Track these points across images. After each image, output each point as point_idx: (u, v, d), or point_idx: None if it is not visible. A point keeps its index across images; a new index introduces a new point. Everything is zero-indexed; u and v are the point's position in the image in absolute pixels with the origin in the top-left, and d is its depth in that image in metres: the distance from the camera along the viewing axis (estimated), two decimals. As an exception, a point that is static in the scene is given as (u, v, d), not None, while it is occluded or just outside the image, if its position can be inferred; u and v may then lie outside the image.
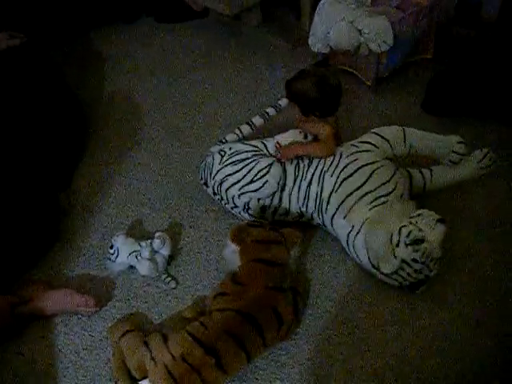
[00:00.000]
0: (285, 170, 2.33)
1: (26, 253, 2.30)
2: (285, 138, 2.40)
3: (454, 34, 3.44)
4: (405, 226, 2.06)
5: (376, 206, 2.19)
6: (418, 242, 2.01)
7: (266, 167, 2.31)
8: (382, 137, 2.35)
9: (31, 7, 3.33)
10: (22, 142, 2.52)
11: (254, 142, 2.45)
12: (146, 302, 2.18)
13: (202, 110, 3.19)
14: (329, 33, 3.13)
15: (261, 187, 2.31)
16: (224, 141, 2.56)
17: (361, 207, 2.20)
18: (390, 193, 2.21)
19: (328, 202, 2.27)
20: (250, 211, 2.39)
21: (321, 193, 2.29)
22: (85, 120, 3.01)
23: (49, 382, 1.94)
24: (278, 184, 2.31)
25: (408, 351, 2.00)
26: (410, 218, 2.09)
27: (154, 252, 2.25)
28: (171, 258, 2.32)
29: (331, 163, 2.31)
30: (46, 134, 2.62)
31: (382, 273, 2.11)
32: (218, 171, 2.39)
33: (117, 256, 2.26)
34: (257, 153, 2.39)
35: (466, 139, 2.42)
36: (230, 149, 2.43)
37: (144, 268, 2.22)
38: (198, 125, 3.07)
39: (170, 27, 4.02)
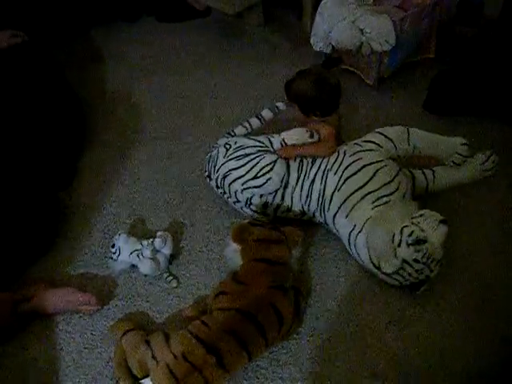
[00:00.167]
0: (288, 168, 2.33)
1: (26, 251, 2.29)
2: (291, 136, 2.39)
3: (456, 33, 3.43)
4: (407, 226, 2.06)
5: (378, 205, 2.19)
6: (419, 242, 2.01)
7: (270, 164, 2.31)
8: (386, 136, 2.35)
9: (33, 6, 3.32)
10: (22, 140, 2.53)
11: (260, 138, 2.45)
12: (147, 301, 2.18)
13: (203, 109, 3.19)
14: (330, 32, 3.13)
15: (264, 183, 2.31)
16: (232, 133, 2.57)
17: (363, 206, 2.20)
18: (393, 193, 2.21)
19: (330, 201, 2.27)
20: (252, 207, 2.39)
21: (323, 191, 2.29)
22: (85, 119, 3.01)
23: (50, 380, 1.94)
24: (282, 181, 2.32)
25: (409, 351, 2.00)
26: (412, 218, 2.09)
27: (155, 251, 2.24)
28: (173, 257, 2.32)
29: (335, 162, 2.31)
30: (47, 132, 2.62)
31: (383, 272, 2.10)
32: (222, 165, 2.39)
33: (118, 255, 2.25)
34: (262, 148, 2.39)
35: (468, 139, 2.42)
36: (236, 143, 2.43)
37: (146, 267, 2.22)
38: (199, 124, 3.07)
39: (171, 26, 4.02)
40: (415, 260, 2.03)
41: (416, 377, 1.93)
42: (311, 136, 2.37)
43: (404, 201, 2.24)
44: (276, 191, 2.33)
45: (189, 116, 3.15)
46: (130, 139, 2.99)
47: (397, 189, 2.23)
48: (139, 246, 2.25)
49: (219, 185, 2.43)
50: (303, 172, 2.33)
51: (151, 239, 2.27)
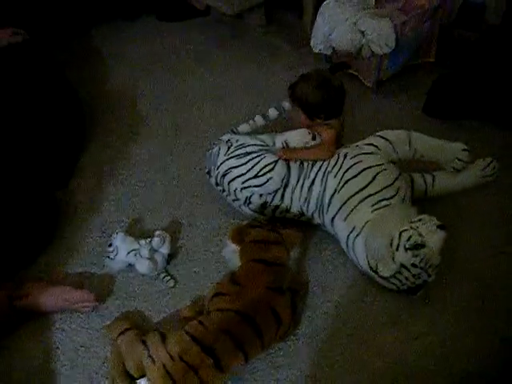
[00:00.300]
0: (289, 168, 2.33)
1: (23, 250, 2.29)
2: (293, 137, 2.39)
3: (456, 38, 3.43)
4: (405, 230, 2.05)
5: (378, 208, 2.18)
6: (417, 246, 2.01)
7: (271, 163, 2.31)
8: (387, 140, 2.35)
9: (33, 4, 3.31)
10: (20, 139, 2.52)
11: (262, 137, 2.45)
12: (144, 301, 2.18)
13: (202, 109, 3.18)
14: (331, 34, 3.13)
15: (264, 183, 2.30)
16: (235, 130, 2.56)
17: (362, 209, 2.19)
18: (393, 196, 2.21)
19: (330, 203, 2.27)
20: (250, 206, 2.38)
21: (323, 193, 2.29)
22: (84, 118, 2.99)
23: (46, 379, 1.94)
24: (282, 181, 2.31)
25: (407, 353, 2.00)
26: (411, 222, 2.09)
27: (153, 251, 2.24)
28: (170, 257, 2.32)
29: (335, 164, 2.31)
30: (46, 131, 2.61)
31: (381, 276, 2.10)
32: (223, 162, 2.38)
33: (116, 254, 2.25)
34: (263, 148, 2.39)
35: (468, 143, 2.41)
36: (237, 141, 2.42)
37: (143, 267, 2.21)
38: (197, 124, 3.07)
39: (170, 25, 4.01)
40: (413, 264, 2.02)
41: (414, 378, 1.93)
42: (313, 138, 2.36)
43: (403, 205, 2.23)
44: (276, 191, 2.33)
45: (188, 115, 3.14)
46: (129, 138, 2.98)
47: (396, 193, 2.22)
48: (137, 246, 2.24)
49: (219, 182, 2.43)
50: (304, 173, 2.33)
51: (149, 239, 2.26)
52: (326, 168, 2.31)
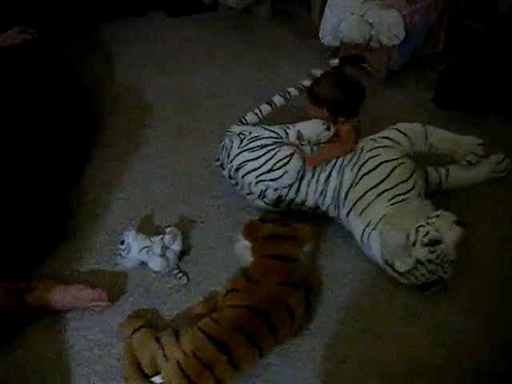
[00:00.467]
0: (305, 161, 2.31)
1: (35, 248, 2.29)
2: (306, 127, 2.36)
3: (464, 27, 3.41)
4: (422, 225, 2.05)
5: (394, 203, 2.18)
6: (434, 243, 2.00)
7: (286, 157, 2.29)
8: (404, 133, 2.34)
9: (40, 2, 3.31)
10: (31, 137, 2.52)
11: (275, 128, 2.41)
12: (157, 298, 2.18)
13: (211, 104, 3.17)
14: (339, 26, 3.11)
15: (280, 177, 2.29)
16: (243, 120, 2.55)
17: (379, 204, 2.19)
18: (409, 191, 2.20)
19: (346, 197, 2.26)
20: (265, 199, 2.37)
21: (339, 187, 2.28)
22: (94, 115, 3.00)
23: (59, 377, 1.94)
24: (298, 174, 2.29)
25: (419, 347, 2.00)
26: (428, 218, 2.08)
27: (165, 248, 2.24)
28: (182, 254, 2.31)
29: (351, 157, 2.30)
30: (56, 129, 2.62)
31: (396, 271, 2.09)
32: (236, 155, 2.37)
33: (128, 252, 2.25)
34: (277, 140, 2.36)
35: (479, 135, 2.42)
36: (250, 133, 2.40)
37: (155, 264, 2.22)
38: (206, 119, 3.06)
39: (178, 20, 4.00)
40: (429, 260, 2.01)
41: (425, 373, 1.92)
42: (328, 129, 2.34)
43: (419, 199, 2.22)
44: (291, 184, 2.31)
45: (196, 111, 3.14)
46: (138, 135, 2.98)
47: (413, 187, 2.21)
48: (149, 243, 2.24)
49: (232, 176, 2.41)
50: (319, 167, 2.31)
51: (160, 236, 2.26)
52: (343, 161, 2.30)
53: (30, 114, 2.57)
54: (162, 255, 2.22)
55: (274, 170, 2.29)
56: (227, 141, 2.45)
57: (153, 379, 1.82)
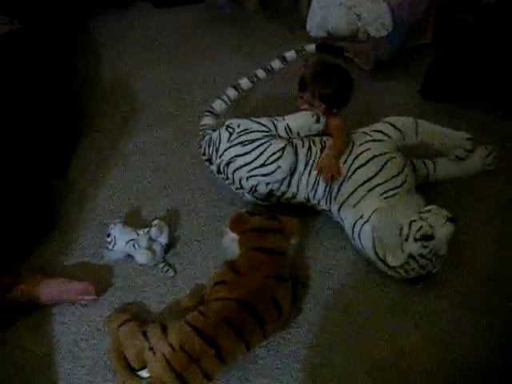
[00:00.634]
0: (297, 155, 2.29)
1: (20, 241, 2.27)
2: (295, 120, 2.33)
3: (452, 19, 3.40)
4: (415, 220, 2.05)
5: (386, 197, 2.17)
6: (427, 238, 2.00)
7: (278, 151, 2.26)
8: (395, 127, 2.33)
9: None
10: (17, 129, 2.50)
11: (263, 121, 2.37)
12: (143, 291, 2.16)
13: (199, 96, 3.16)
14: (327, 18, 3.10)
15: (273, 172, 2.26)
16: (212, 109, 2.54)
17: (371, 198, 2.18)
18: (400, 185, 2.19)
19: (338, 191, 2.25)
20: (255, 194, 2.35)
21: (332, 180, 2.26)
22: (80, 107, 2.98)
23: (46, 372, 1.92)
24: (290, 169, 2.28)
25: (408, 341, 1.99)
26: (421, 212, 2.09)
27: (151, 240, 2.23)
28: (169, 247, 2.30)
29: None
30: (42, 121, 2.60)
31: (387, 265, 2.09)
32: (226, 150, 2.33)
33: (114, 245, 2.23)
34: (268, 133, 2.33)
35: (467, 127, 2.44)
36: (239, 126, 2.36)
37: (141, 257, 2.20)
38: (194, 111, 3.03)
39: (165, 11, 3.99)
40: (421, 255, 2.01)
41: (416, 370, 1.92)
42: (317, 120, 2.32)
43: (410, 193, 2.23)
44: (283, 179, 2.29)
45: (184, 103, 3.12)
46: (126, 127, 2.96)
47: (404, 181, 2.21)
48: (135, 236, 2.23)
49: (221, 170, 2.38)
50: (312, 159, 2.29)
51: (147, 228, 2.25)
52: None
53: (15, 106, 2.54)
54: (149, 248, 2.20)
55: (266, 165, 2.26)
56: (215, 135, 2.41)
57: (140, 373, 1.81)
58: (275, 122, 2.36)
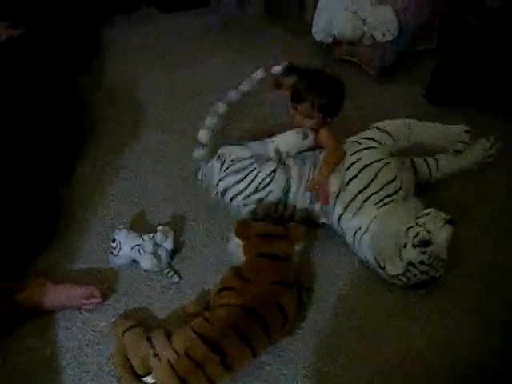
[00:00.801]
0: (289, 175, 2.28)
1: (25, 246, 2.26)
2: (285, 141, 2.31)
3: (458, 23, 3.40)
4: (412, 226, 2.02)
5: (383, 205, 2.16)
6: (425, 243, 1.98)
7: (269, 175, 2.27)
8: (386, 132, 2.31)
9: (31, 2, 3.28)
10: (21, 134, 2.50)
11: (253, 145, 2.37)
12: (148, 297, 2.16)
13: (203, 101, 3.14)
14: (332, 22, 3.10)
15: (266, 196, 2.27)
16: (201, 141, 2.50)
17: (368, 207, 2.17)
18: (396, 192, 2.18)
19: (334, 204, 2.24)
20: (257, 216, 2.32)
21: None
22: (85, 111, 2.98)
23: (51, 377, 1.91)
24: (284, 190, 2.27)
25: (413, 346, 1.99)
26: (418, 217, 2.05)
27: (156, 246, 2.22)
28: (174, 252, 2.29)
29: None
30: (46, 126, 2.60)
31: (388, 274, 2.07)
32: (220, 180, 2.34)
33: (119, 250, 2.23)
34: (258, 158, 2.32)
35: (470, 129, 2.40)
36: (230, 155, 2.35)
37: (147, 262, 2.19)
38: (198, 115, 3.02)
39: (169, 16, 3.99)
40: (421, 262, 1.99)
41: (420, 372, 1.91)
42: (305, 137, 2.30)
43: (408, 198, 2.21)
44: (278, 201, 2.29)
45: (188, 107, 3.12)
46: (131, 132, 2.96)
47: (400, 187, 2.20)
48: (140, 241, 2.22)
49: (219, 200, 2.39)
50: (305, 177, 2.28)
51: (152, 234, 2.25)
52: None
53: (19, 111, 2.54)
54: (154, 253, 2.20)
55: (259, 191, 2.28)
56: (208, 166, 2.41)
57: (144, 379, 1.80)
58: (264, 145, 2.35)
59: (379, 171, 2.20)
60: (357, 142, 2.32)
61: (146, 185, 2.64)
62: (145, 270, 2.22)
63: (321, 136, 2.33)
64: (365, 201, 2.17)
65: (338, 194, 2.23)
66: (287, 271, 1.99)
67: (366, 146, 2.28)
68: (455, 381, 1.90)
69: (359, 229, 2.16)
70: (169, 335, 1.81)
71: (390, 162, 2.24)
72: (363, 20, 2.96)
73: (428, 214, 2.05)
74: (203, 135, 2.50)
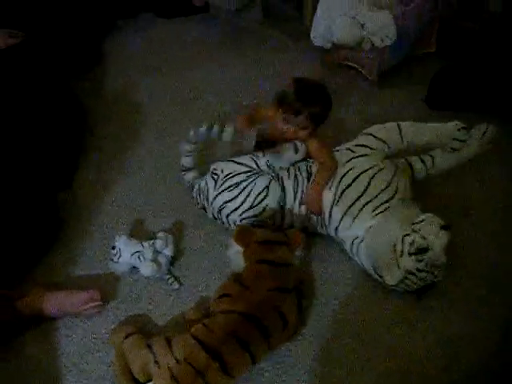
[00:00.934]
0: (283, 188, 2.28)
1: (26, 253, 2.27)
2: (277, 157, 2.30)
3: (457, 28, 3.40)
4: (408, 234, 1.99)
5: (378, 213, 2.15)
6: (422, 251, 1.95)
7: (263, 190, 2.26)
8: (378, 138, 2.30)
9: (29, 7, 3.28)
10: (21, 140, 2.50)
11: (244, 160, 2.34)
12: (148, 304, 2.16)
13: (203, 106, 3.16)
14: (331, 27, 3.10)
15: (261, 212, 2.27)
16: (188, 166, 2.49)
17: (364, 215, 2.16)
18: (392, 198, 2.17)
19: (330, 215, 2.24)
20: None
21: (322, 205, 2.25)
22: (85, 118, 2.98)
23: (52, 385, 1.92)
24: (279, 203, 2.28)
25: (414, 352, 1.98)
26: (413, 224, 2.02)
27: (156, 252, 2.22)
28: (174, 259, 2.29)
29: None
30: (46, 133, 2.59)
31: (387, 283, 2.07)
32: (215, 198, 2.32)
33: (119, 257, 2.23)
34: (250, 173, 2.31)
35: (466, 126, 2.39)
36: (223, 171, 2.34)
37: (147, 269, 2.19)
38: (198, 119, 3.01)
39: (169, 22, 3.98)
40: (418, 269, 1.97)
41: (421, 378, 1.91)
42: (296, 151, 2.29)
43: (404, 204, 2.18)
44: (274, 213, 2.29)
45: (189, 112, 3.12)
46: (131, 137, 2.96)
47: (395, 193, 2.18)
48: (140, 248, 2.22)
49: (216, 217, 2.38)
50: (299, 189, 2.28)
51: (152, 240, 2.25)
52: None
53: (19, 117, 2.55)
54: (154, 260, 2.20)
55: (254, 206, 2.27)
56: (202, 184, 2.40)
57: (145, 386, 1.81)
58: (256, 159, 2.33)
59: (373, 178, 2.19)
60: (350, 149, 2.31)
61: (146, 191, 2.64)
62: (145, 277, 2.22)
63: (311, 146, 2.30)
64: (361, 209, 2.16)
65: (332, 206, 2.23)
66: (287, 277, 1.99)
67: (358, 154, 2.27)
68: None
69: (356, 238, 2.16)
70: (169, 342, 1.80)
71: (383, 168, 2.23)
72: (362, 25, 2.96)
73: (423, 220, 2.01)
74: (186, 161, 2.49)
